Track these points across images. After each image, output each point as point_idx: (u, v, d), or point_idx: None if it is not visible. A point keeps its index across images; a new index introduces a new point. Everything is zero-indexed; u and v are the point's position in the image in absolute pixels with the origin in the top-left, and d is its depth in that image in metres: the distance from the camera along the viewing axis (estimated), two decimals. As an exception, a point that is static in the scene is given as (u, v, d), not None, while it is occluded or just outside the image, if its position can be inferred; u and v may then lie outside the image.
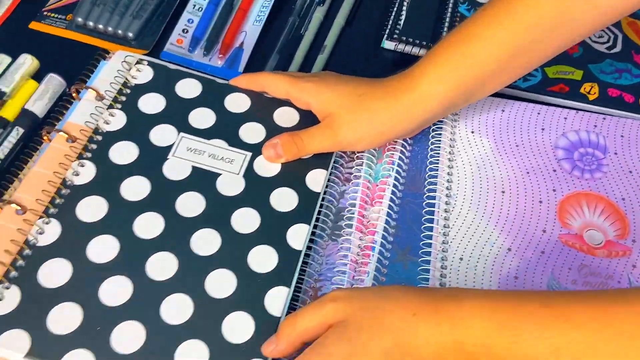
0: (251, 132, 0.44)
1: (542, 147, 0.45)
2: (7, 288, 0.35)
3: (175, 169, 0.42)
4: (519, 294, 0.31)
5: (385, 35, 0.55)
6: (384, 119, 0.41)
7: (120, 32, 0.53)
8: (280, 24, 0.57)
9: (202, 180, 0.41)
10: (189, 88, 0.46)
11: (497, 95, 0.48)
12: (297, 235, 0.40)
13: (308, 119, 0.45)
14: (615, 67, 0.53)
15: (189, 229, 0.39)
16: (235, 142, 0.44)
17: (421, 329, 0.31)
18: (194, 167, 0.42)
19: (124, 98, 0.44)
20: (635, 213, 0.42)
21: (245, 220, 0.40)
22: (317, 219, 0.42)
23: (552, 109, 0.48)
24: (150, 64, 0.47)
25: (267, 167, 0.43)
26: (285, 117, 0.45)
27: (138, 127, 0.43)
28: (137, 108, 0.44)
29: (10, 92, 0.48)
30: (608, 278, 0.39)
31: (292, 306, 0.39)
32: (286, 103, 0.46)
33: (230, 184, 0.42)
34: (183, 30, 0.55)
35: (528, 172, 0.43)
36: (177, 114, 0.44)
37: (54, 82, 0.48)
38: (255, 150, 0.43)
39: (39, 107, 0.47)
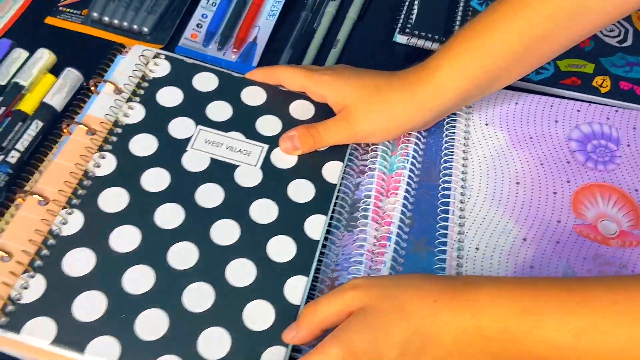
0: (267, 124, 0.45)
1: (555, 139, 0.46)
2: (32, 277, 0.37)
3: (194, 161, 0.43)
4: (538, 280, 0.32)
5: (398, 30, 0.56)
6: (400, 111, 0.42)
7: (135, 27, 0.54)
8: (293, 18, 0.57)
9: (220, 171, 0.42)
10: (205, 81, 0.47)
11: (509, 88, 0.49)
12: (315, 226, 0.41)
13: (323, 112, 0.46)
14: (627, 61, 0.54)
15: (208, 219, 0.40)
16: (252, 134, 0.45)
17: (441, 316, 0.31)
18: (212, 159, 0.43)
19: (142, 91, 0.45)
20: (649, 204, 0.43)
21: (264, 211, 0.41)
22: (333, 210, 0.43)
23: (565, 102, 0.48)
24: (167, 57, 0.47)
25: (283, 159, 0.44)
26: (300, 110, 0.46)
27: (157, 119, 0.44)
28: (156, 101, 0.45)
29: (28, 86, 0.49)
30: (622, 267, 0.40)
31: (310, 295, 0.40)
32: (301, 96, 0.47)
33: (248, 176, 0.42)
34: (197, 25, 0.56)
35: (542, 164, 0.44)
36: (194, 107, 0.45)
37: (71, 76, 0.49)
38: (272, 142, 0.44)
39: (57, 100, 0.48)
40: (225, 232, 0.40)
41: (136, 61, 0.47)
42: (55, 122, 0.48)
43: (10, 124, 0.46)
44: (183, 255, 0.38)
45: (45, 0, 0.56)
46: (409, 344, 0.31)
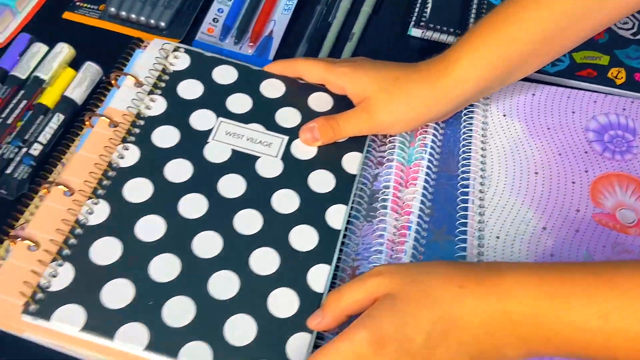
0: (287, 116, 0.46)
1: (572, 130, 0.46)
2: (61, 265, 0.37)
3: (215, 152, 0.44)
4: (563, 264, 0.32)
5: (412, 23, 0.57)
6: (420, 102, 0.42)
7: (152, 21, 0.55)
8: (308, 12, 0.58)
9: (241, 162, 0.43)
10: (225, 74, 0.48)
11: (526, 79, 0.49)
12: (336, 215, 0.42)
13: (342, 104, 0.47)
14: (641, 53, 0.54)
15: (231, 209, 0.41)
16: (272, 126, 0.45)
17: (468, 301, 0.32)
18: (233, 151, 0.44)
19: (163, 84, 0.46)
20: (666, 193, 0.43)
21: (285, 201, 0.42)
22: (352, 201, 0.44)
23: (581, 93, 0.49)
24: (187, 51, 0.48)
25: (303, 150, 0.45)
26: (319, 102, 0.47)
27: (178, 112, 0.45)
28: (177, 94, 0.46)
29: (49, 79, 0.50)
30: (641, 255, 0.40)
31: (332, 284, 0.41)
32: (320, 88, 0.48)
33: (269, 167, 0.43)
34: (213, 20, 0.56)
35: (560, 154, 0.45)
36: (215, 99, 0.46)
37: (91, 70, 0.50)
38: (292, 134, 0.45)
39: (78, 94, 0.49)
40: (248, 221, 0.41)
41: (156, 55, 0.48)
42: (76, 116, 0.49)
43: (32, 117, 0.47)
44: (207, 244, 0.39)
45: (63, -4, 0.58)
46: (436, 328, 0.32)
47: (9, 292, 0.37)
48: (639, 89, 0.52)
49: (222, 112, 0.46)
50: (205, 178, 0.42)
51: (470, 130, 0.46)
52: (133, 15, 0.55)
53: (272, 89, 0.47)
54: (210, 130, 0.45)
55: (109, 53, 0.52)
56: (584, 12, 0.40)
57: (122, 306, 0.36)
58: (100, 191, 0.41)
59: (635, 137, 0.47)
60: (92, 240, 0.39)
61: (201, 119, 0.45)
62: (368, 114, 0.43)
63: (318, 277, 0.39)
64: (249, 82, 0.47)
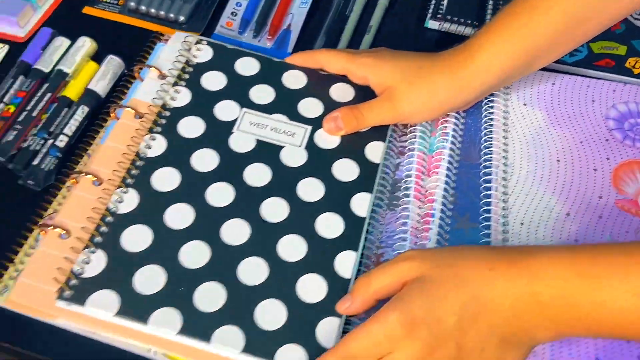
0: (309, 106, 0.47)
1: (593, 118, 0.47)
2: (93, 252, 0.39)
3: (240, 142, 0.45)
4: (594, 245, 0.33)
5: (429, 15, 0.58)
6: (443, 91, 0.43)
7: (171, 15, 0.56)
8: (325, 5, 0.59)
9: (266, 152, 0.44)
10: (247, 66, 0.49)
11: (544, 70, 0.50)
12: (361, 203, 0.43)
13: (363, 94, 0.48)
14: (658, 43, 0.55)
15: (258, 197, 0.42)
16: (295, 116, 0.46)
17: (498, 282, 0.33)
18: (258, 140, 0.45)
19: (187, 76, 0.47)
20: (687, 180, 0.44)
21: (310, 189, 0.43)
22: (375, 190, 0.44)
23: (600, 82, 0.50)
24: (209, 43, 0.50)
25: (327, 139, 0.46)
26: (341, 92, 0.48)
27: (203, 103, 0.46)
28: (201, 85, 0.47)
29: (72, 73, 0.51)
30: (664, 241, 0.41)
31: (357, 272, 0.41)
32: (341, 79, 0.49)
33: (294, 156, 0.44)
34: (232, 13, 0.58)
35: (581, 142, 0.46)
36: (238, 90, 0.47)
37: (113, 63, 0.51)
38: (315, 124, 0.46)
39: (101, 87, 0.50)
40: (274, 209, 0.42)
41: (179, 47, 0.49)
42: (100, 108, 0.50)
43: (57, 110, 0.48)
44: (236, 232, 0.40)
45: (83, -9, 0.59)
46: (466, 311, 0.33)
47: (41, 279, 0.38)
48: (657, 78, 0.53)
49: (246, 102, 0.47)
50: (231, 167, 0.43)
51: (491, 119, 0.47)
52: (152, 10, 0.57)
53: (294, 80, 0.48)
54: (234, 121, 0.46)
55: (129, 47, 0.53)
56: (605, 2, 0.41)
57: (155, 292, 0.37)
58: (129, 180, 0.42)
59: (655, 126, 0.48)
60: (123, 227, 0.40)
61: (225, 110, 0.46)
62: (391, 104, 0.44)
63: (345, 263, 0.40)
64: (270, 73, 0.49)
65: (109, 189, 0.41)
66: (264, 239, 0.40)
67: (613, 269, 0.31)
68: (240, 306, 0.38)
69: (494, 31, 0.42)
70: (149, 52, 0.52)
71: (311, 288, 0.39)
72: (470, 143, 0.47)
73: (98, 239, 0.39)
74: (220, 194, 0.42)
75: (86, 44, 0.52)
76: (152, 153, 0.43)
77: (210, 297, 0.38)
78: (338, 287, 0.39)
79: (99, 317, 0.37)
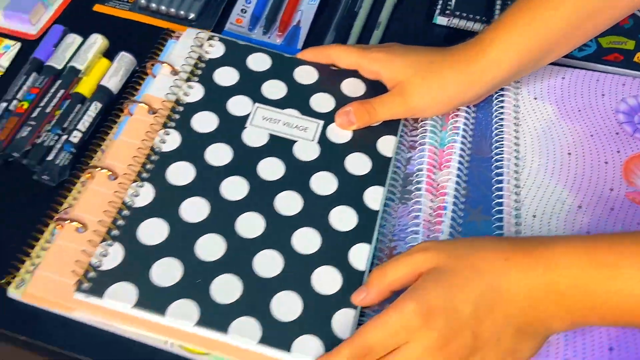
0: (321, 101, 0.48)
1: (603, 112, 0.48)
2: (110, 245, 0.39)
3: (253, 137, 0.45)
4: (610, 235, 0.34)
5: (438, 11, 0.58)
6: (455, 84, 0.44)
7: (182, 13, 0.57)
8: (334, 2, 0.60)
9: (279, 146, 0.45)
10: (259, 62, 0.49)
11: (554, 64, 0.51)
12: (374, 197, 0.43)
13: (374, 89, 0.48)
14: (665, 38, 0.56)
15: (271, 191, 0.43)
16: (307, 111, 0.47)
17: (513, 272, 0.34)
18: (270, 135, 0.45)
19: (200, 72, 0.48)
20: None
21: (324, 182, 0.44)
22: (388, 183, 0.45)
23: (610, 76, 0.51)
24: (221, 39, 0.50)
25: (339, 134, 0.46)
26: (352, 87, 0.49)
27: (216, 98, 0.47)
28: (213, 81, 0.48)
29: (84, 69, 0.51)
30: (675, 233, 0.42)
31: (371, 265, 0.42)
32: (352, 74, 0.49)
33: (306, 150, 0.45)
34: (242, 10, 0.58)
35: (592, 135, 0.46)
36: (250, 86, 0.48)
37: (125, 60, 0.52)
38: (327, 118, 0.47)
39: (113, 83, 0.51)
40: (288, 203, 0.42)
41: (191, 44, 0.49)
42: (112, 104, 0.50)
43: (70, 106, 0.49)
44: (250, 225, 0.41)
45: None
46: (483, 300, 0.33)
47: (59, 272, 0.38)
48: (666, 72, 0.53)
49: (258, 98, 0.47)
50: (244, 161, 0.44)
51: (502, 113, 0.47)
52: (163, 7, 0.57)
53: (305, 75, 0.49)
54: (247, 116, 0.46)
55: (140, 44, 0.54)
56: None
57: (172, 284, 0.38)
58: (144, 174, 0.42)
59: (664, 119, 0.48)
60: (140, 221, 0.40)
61: (238, 105, 0.47)
62: (403, 98, 0.45)
63: (359, 255, 0.41)
64: (282, 69, 0.49)
65: (124, 183, 0.42)
66: (278, 232, 0.41)
67: (628, 257, 0.32)
68: (256, 298, 0.38)
69: (506, 25, 0.43)
70: (160, 48, 0.52)
71: (326, 280, 0.39)
72: (482, 137, 0.48)
73: (115, 232, 0.40)
74: (234, 188, 0.42)
75: (98, 41, 0.53)
76: (166, 148, 0.44)
77: (226, 289, 0.38)
78: (352, 279, 0.40)
79: (116, 309, 0.37)
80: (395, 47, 0.47)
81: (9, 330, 0.40)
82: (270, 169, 0.44)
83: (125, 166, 0.43)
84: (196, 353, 0.38)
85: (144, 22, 0.57)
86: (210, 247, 0.40)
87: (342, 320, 0.38)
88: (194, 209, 0.41)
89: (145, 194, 0.41)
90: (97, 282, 0.38)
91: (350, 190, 0.43)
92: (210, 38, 0.50)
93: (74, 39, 0.53)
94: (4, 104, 0.49)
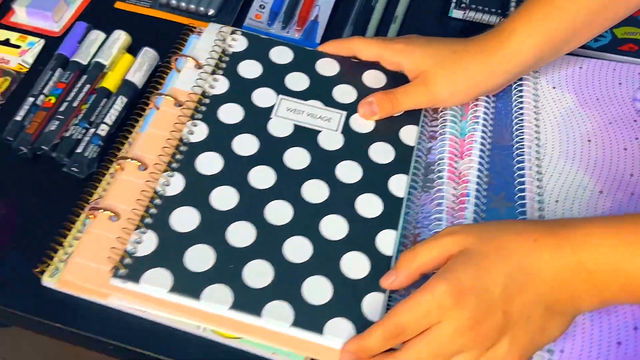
0: (343, 93, 0.49)
1: (620, 100, 0.49)
2: (144, 233, 0.40)
3: (278, 127, 0.46)
4: (633, 215, 0.35)
5: (453, 4, 0.59)
6: (477, 73, 0.45)
7: (201, 9, 0.58)
8: (350, -3, 0.61)
9: (304, 136, 0.46)
10: (281, 55, 0.50)
11: (571, 54, 0.52)
12: (398, 184, 0.45)
13: (394, 80, 0.50)
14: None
15: (298, 179, 0.44)
16: (330, 102, 0.48)
17: (542, 253, 0.35)
18: (295, 125, 0.47)
19: (224, 65, 0.49)
20: None
21: (349, 171, 0.45)
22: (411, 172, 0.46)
23: (626, 66, 0.52)
24: (244, 33, 0.51)
25: (362, 124, 0.47)
26: (373, 78, 0.50)
27: (241, 90, 0.48)
28: (238, 73, 0.49)
29: (109, 64, 0.52)
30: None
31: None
32: (373, 66, 0.51)
33: (331, 140, 0.46)
34: (260, 6, 0.59)
35: (610, 123, 0.47)
36: (274, 78, 0.49)
37: (149, 55, 0.53)
38: (349, 109, 0.48)
39: (138, 77, 0.52)
40: (315, 191, 0.44)
41: (214, 38, 0.51)
42: (137, 98, 0.51)
43: (96, 100, 0.50)
44: (279, 212, 0.42)
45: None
46: (512, 280, 0.34)
47: (94, 259, 0.40)
48: (680, 62, 0.54)
49: (282, 90, 0.48)
50: (271, 151, 0.45)
51: (522, 102, 0.49)
52: (183, 4, 0.58)
53: (327, 67, 0.50)
54: (272, 107, 0.47)
55: (161, 40, 0.55)
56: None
57: (205, 269, 0.39)
58: (174, 164, 0.44)
59: (681, 106, 0.49)
60: (171, 209, 0.41)
61: (263, 97, 0.48)
62: (425, 88, 0.46)
63: (386, 241, 0.42)
64: (304, 61, 0.50)
65: (155, 172, 0.43)
66: (306, 219, 0.42)
67: None
68: (287, 282, 0.39)
69: (526, 15, 0.44)
70: (182, 44, 0.54)
71: (354, 265, 0.40)
72: (502, 126, 0.49)
73: (148, 220, 0.41)
74: (262, 177, 0.44)
75: (121, 37, 0.54)
76: (194, 138, 0.45)
77: (258, 274, 0.39)
78: (380, 264, 0.41)
79: (152, 295, 0.38)
80: (416, 38, 0.48)
81: (43, 318, 0.42)
82: (296, 158, 0.45)
83: (155, 157, 0.44)
84: (228, 337, 0.39)
85: (164, 18, 0.59)
86: (241, 234, 0.41)
87: (371, 304, 0.39)
88: (224, 198, 0.42)
89: (176, 183, 0.43)
90: (133, 268, 0.39)
91: (375, 179, 0.45)
92: (233, 32, 0.52)
93: (97, 35, 0.54)
94: (31, 99, 0.50)
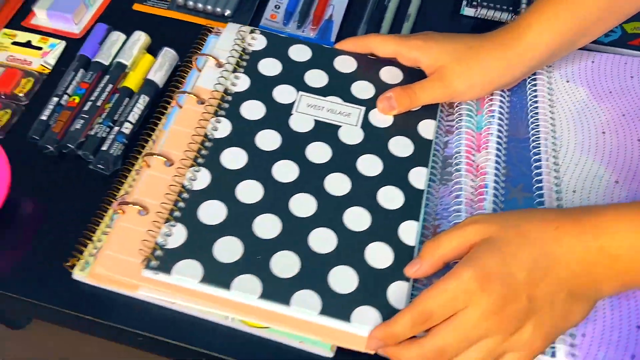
0: (362, 89, 0.50)
1: (633, 92, 0.50)
2: (174, 225, 0.42)
3: (299, 123, 0.48)
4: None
5: (465, 2, 0.60)
6: (493, 68, 0.46)
7: (218, 10, 0.59)
8: (364, -5, 0.63)
9: (325, 131, 0.48)
10: (300, 53, 0.52)
11: (583, 49, 0.53)
12: (418, 177, 0.46)
13: (410, 77, 0.51)
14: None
15: (321, 173, 0.45)
16: (349, 98, 0.50)
17: (565, 240, 0.36)
18: (316, 121, 0.48)
19: (244, 63, 0.51)
20: None
21: (369, 164, 0.46)
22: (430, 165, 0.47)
23: (637, 59, 0.53)
24: (262, 32, 0.53)
25: (381, 118, 0.49)
26: (390, 75, 0.51)
27: (262, 87, 0.49)
28: (258, 71, 0.50)
29: (130, 65, 0.54)
30: None
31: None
32: (389, 63, 0.52)
33: (351, 134, 0.48)
34: (275, 6, 0.61)
35: (624, 115, 0.49)
36: (293, 75, 0.51)
37: (169, 55, 0.54)
38: (368, 104, 0.50)
39: (159, 77, 0.53)
40: (337, 184, 0.45)
41: (234, 37, 0.52)
42: (159, 97, 0.52)
43: (119, 100, 0.51)
44: (303, 205, 0.43)
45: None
46: (536, 266, 0.36)
47: (124, 252, 0.41)
48: (689, 55, 0.55)
49: (302, 86, 0.50)
50: (293, 146, 0.46)
51: (536, 95, 0.50)
52: (200, 5, 0.60)
53: (345, 64, 0.52)
54: (292, 103, 0.49)
55: (179, 40, 0.56)
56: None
57: (234, 260, 0.40)
58: (200, 160, 0.45)
59: (691, 99, 0.50)
60: (199, 203, 0.43)
61: (283, 93, 0.49)
62: (442, 82, 0.47)
63: (408, 232, 0.43)
64: (322, 59, 0.52)
65: (181, 168, 0.44)
66: (330, 211, 0.43)
67: None
68: (314, 272, 0.41)
69: (542, 9, 0.46)
70: (201, 44, 0.55)
71: (378, 255, 0.42)
72: (518, 119, 0.50)
73: (177, 213, 0.42)
74: (285, 171, 0.45)
75: (141, 38, 0.55)
76: (218, 134, 0.46)
77: (285, 264, 0.41)
78: (403, 254, 0.42)
79: (183, 285, 0.40)
80: (433, 34, 0.49)
81: (73, 311, 0.43)
82: (318, 152, 0.46)
83: (180, 153, 0.45)
84: (256, 327, 0.40)
85: (181, 19, 0.60)
86: (267, 226, 0.42)
87: (396, 292, 0.40)
88: (249, 191, 0.44)
89: (202, 178, 0.44)
90: (164, 260, 0.40)
91: (395, 171, 0.46)
92: (252, 31, 0.53)
93: (118, 37, 0.56)
94: (56, 99, 0.52)
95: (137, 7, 0.61)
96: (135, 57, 0.55)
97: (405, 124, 0.49)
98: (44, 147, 0.49)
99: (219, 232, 0.41)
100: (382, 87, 0.50)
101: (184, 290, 0.40)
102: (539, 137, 0.48)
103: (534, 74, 0.51)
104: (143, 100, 0.52)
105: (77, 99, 0.52)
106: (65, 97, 0.52)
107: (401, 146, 0.47)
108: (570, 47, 0.48)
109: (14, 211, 0.47)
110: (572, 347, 0.38)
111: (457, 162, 0.48)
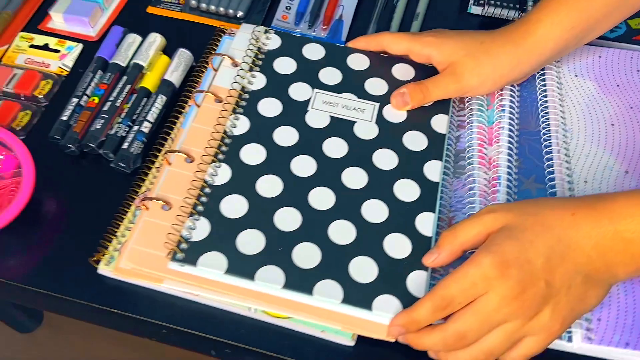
0: (375, 85, 0.52)
1: (639, 86, 0.52)
2: (197, 219, 0.43)
3: (316, 119, 0.49)
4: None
5: (472, 1, 0.62)
6: (505, 63, 0.48)
7: (231, 11, 0.61)
8: (373, -5, 0.64)
9: (340, 127, 0.49)
10: (313, 51, 0.53)
11: (589, 44, 0.55)
12: (433, 170, 0.47)
13: (422, 73, 0.52)
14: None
15: (338, 167, 0.47)
16: (363, 94, 0.51)
17: (581, 225, 0.37)
18: (331, 117, 0.49)
19: (260, 62, 0.52)
20: None
21: (385, 158, 0.48)
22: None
23: (643, 54, 0.54)
24: (276, 32, 0.54)
25: (395, 114, 0.50)
26: (402, 72, 0.53)
27: (277, 85, 0.51)
28: (274, 69, 0.52)
29: (147, 65, 0.55)
30: None
31: (434, 233, 0.45)
32: (401, 60, 0.54)
33: (366, 130, 0.49)
34: (286, 7, 0.62)
35: (632, 107, 0.50)
36: (308, 73, 0.52)
37: (184, 56, 0.56)
38: (382, 100, 0.51)
39: (175, 77, 0.54)
40: (354, 177, 0.46)
41: (249, 37, 0.54)
42: (175, 96, 0.54)
43: (137, 100, 0.53)
44: (322, 198, 0.45)
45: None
46: (553, 252, 0.37)
47: (149, 245, 0.42)
48: (693, 50, 0.57)
49: (317, 84, 0.51)
50: (310, 141, 0.48)
51: (546, 89, 0.51)
52: (212, 7, 0.61)
53: (358, 62, 0.53)
54: (308, 101, 0.50)
55: (193, 41, 0.58)
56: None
57: (257, 252, 0.42)
58: (220, 156, 0.46)
59: (697, 91, 0.52)
60: (221, 197, 0.44)
61: (299, 91, 0.51)
62: (455, 77, 0.49)
63: (425, 223, 0.44)
64: (336, 57, 0.53)
65: (203, 164, 0.45)
66: (348, 204, 0.45)
67: None
68: (334, 263, 0.42)
69: (552, 6, 0.47)
70: (216, 44, 0.56)
71: (397, 246, 0.43)
72: (528, 113, 0.51)
73: (200, 207, 0.43)
74: (303, 166, 0.46)
75: (157, 40, 0.57)
76: (237, 131, 0.48)
77: (306, 255, 0.42)
78: (421, 244, 0.43)
79: (208, 277, 0.41)
80: (444, 31, 0.51)
81: (100, 305, 0.44)
82: (334, 147, 0.48)
83: (201, 149, 0.46)
84: (279, 317, 0.42)
85: (195, 21, 0.61)
86: (288, 219, 0.43)
87: (416, 281, 0.41)
88: (269, 186, 0.45)
89: (223, 173, 0.45)
90: (190, 252, 0.41)
91: (410, 165, 0.47)
92: (266, 31, 0.54)
93: (134, 39, 0.57)
94: (75, 100, 0.53)
95: (150, 9, 0.62)
96: (152, 58, 0.56)
97: (419, 119, 0.50)
98: (65, 146, 0.51)
99: (241, 225, 0.43)
100: (395, 84, 0.52)
101: (209, 282, 0.41)
102: (549, 130, 0.49)
103: (543, 69, 0.53)
104: (161, 99, 0.53)
105: (96, 100, 0.53)
106: (85, 97, 0.53)
107: (415, 140, 0.49)
108: (579, 43, 0.49)
109: (38, 210, 0.48)
110: (588, 330, 0.40)
111: (469, 156, 0.49)
